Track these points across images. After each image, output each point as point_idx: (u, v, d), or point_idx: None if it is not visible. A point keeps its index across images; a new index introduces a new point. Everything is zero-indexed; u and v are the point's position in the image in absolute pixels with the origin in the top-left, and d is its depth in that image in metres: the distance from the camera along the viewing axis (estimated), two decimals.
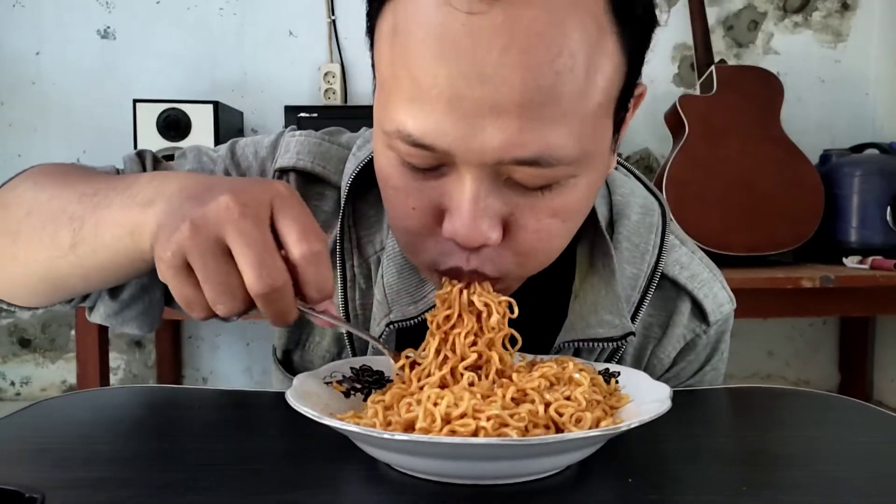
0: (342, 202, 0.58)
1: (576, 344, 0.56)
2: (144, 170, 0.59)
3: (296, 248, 0.39)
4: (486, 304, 0.47)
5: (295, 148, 0.60)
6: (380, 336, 0.55)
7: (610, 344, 0.55)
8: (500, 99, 0.40)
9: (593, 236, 0.58)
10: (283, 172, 0.60)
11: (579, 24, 0.40)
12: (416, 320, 0.55)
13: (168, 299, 0.62)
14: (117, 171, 0.60)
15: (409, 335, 0.56)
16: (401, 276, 0.55)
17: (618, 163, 0.62)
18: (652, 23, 0.46)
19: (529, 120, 0.40)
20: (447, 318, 0.47)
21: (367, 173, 0.56)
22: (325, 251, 0.40)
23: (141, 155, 0.60)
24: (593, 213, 0.57)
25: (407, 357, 0.48)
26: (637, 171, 0.65)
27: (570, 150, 0.42)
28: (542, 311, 0.58)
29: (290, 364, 0.64)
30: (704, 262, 0.63)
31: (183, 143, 1.73)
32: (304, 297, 0.41)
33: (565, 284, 0.59)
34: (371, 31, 0.46)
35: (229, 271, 0.39)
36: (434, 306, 0.49)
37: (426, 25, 0.40)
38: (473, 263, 0.46)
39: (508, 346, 0.49)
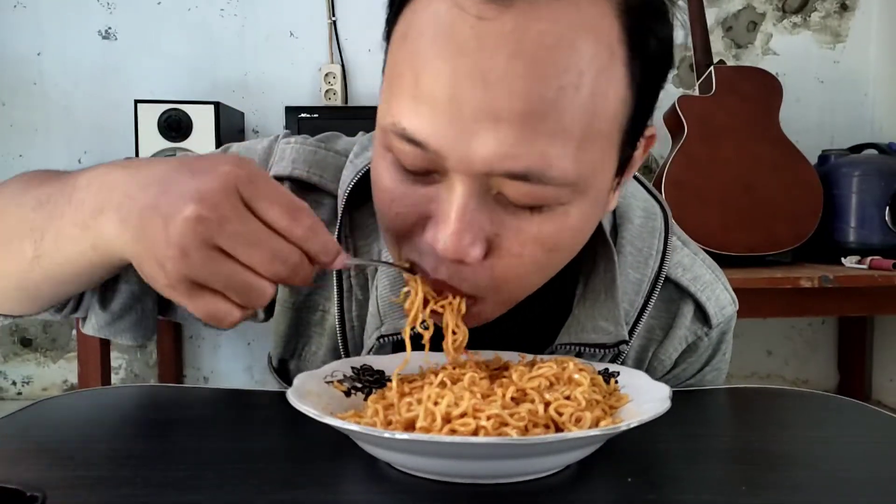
0: (339, 211, 0.57)
1: (570, 348, 0.56)
2: None
3: (291, 232, 0.39)
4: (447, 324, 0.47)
5: (290, 156, 0.59)
6: (370, 349, 0.55)
7: (608, 351, 0.55)
8: (500, 106, 0.39)
9: (597, 242, 0.57)
10: (278, 181, 0.59)
11: (590, 46, 0.40)
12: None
13: (161, 309, 0.61)
14: None
15: (401, 348, 0.55)
16: (393, 289, 0.54)
17: None
18: (667, 62, 0.45)
19: (527, 132, 0.39)
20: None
21: (365, 182, 0.55)
22: (314, 218, 0.40)
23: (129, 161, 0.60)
24: None
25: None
26: (636, 173, 0.64)
27: (564, 171, 0.41)
28: (544, 311, 0.58)
29: (285, 373, 0.63)
30: (707, 264, 0.62)
31: (184, 144, 1.73)
32: (317, 264, 0.41)
33: (570, 286, 0.58)
34: (388, 36, 0.46)
35: (242, 270, 0.38)
36: (424, 321, 0.49)
37: (436, 27, 0.40)
38: (442, 275, 0.45)
39: None
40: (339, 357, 0.60)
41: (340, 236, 0.57)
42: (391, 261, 0.52)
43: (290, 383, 0.61)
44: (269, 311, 0.62)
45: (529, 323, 0.57)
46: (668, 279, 0.59)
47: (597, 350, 0.55)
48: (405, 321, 0.52)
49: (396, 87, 0.43)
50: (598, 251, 0.57)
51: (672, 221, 0.61)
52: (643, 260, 0.58)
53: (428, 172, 0.43)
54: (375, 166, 0.47)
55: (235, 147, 0.62)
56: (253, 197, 0.38)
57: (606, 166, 0.45)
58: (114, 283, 0.57)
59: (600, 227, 0.56)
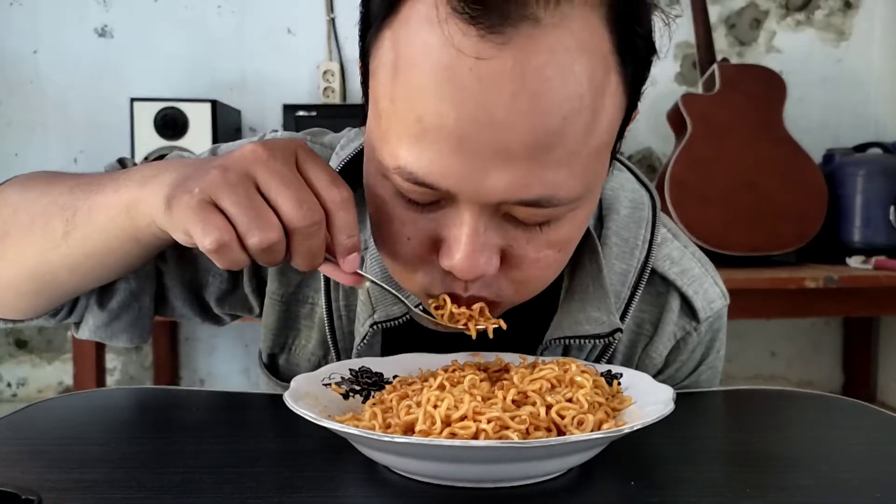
0: None
1: (564, 341, 0.55)
2: None
3: (327, 193, 0.42)
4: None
5: None
6: (364, 337, 0.55)
7: (599, 341, 0.55)
8: (509, 143, 0.39)
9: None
10: None
11: (587, 67, 0.40)
12: (400, 320, 0.54)
13: (157, 307, 0.62)
14: None
15: (393, 335, 0.55)
16: (384, 276, 0.55)
17: None
18: (651, 57, 0.45)
19: (535, 164, 0.40)
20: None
21: (348, 172, 0.55)
22: (352, 198, 0.43)
23: (122, 161, 0.61)
24: None
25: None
26: (628, 163, 0.64)
27: (573, 191, 0.42)
28: (531, 309, 0.57)
29: (275, 368, 0.63)
30: (697, 257, 0.62)
31: (180, 142, 1.73)
32: (334, 241, 0.43)
33: (556, 281, 0.58)
34: (365, 54, 0.45)
35: (263, 203, 0.40)
36: (418, 305, 0.49)
37: (433, 66, 0.39)
38: (471, 290, 0.46)
39: None
40: (327, 350, 0.60)
41: None
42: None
43: (280, 378, 0.62)
44: (262, 304, 0.62)
45: (518, 321, 0.56)
46: (655, 272, 0.59)
47: (594, 341, 0.55)
48: (398, 308, 0.54)
49: (395, 126, 0.42)
50: (582, 243, 0.57)
51: (660, 212, 0.60)
52: (629, 250, 0.58)
53: (435, 201, 0.44)
54: (375, 192, 0.46)
55: (224, 147, 0.62)
56: (306, 160, 0.42)
57: (605, 166, 0.47)
58: (111, 282, 0.57)
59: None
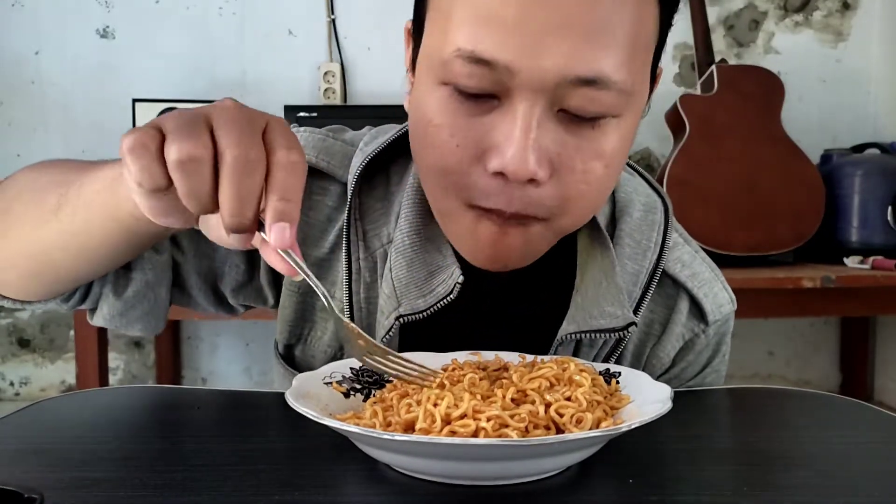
0: (349, 195, 0.58)
1: (578, 336, 0.55)
2: None
3: (278, 153, 0.38)
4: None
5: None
6: (388, 330, 0.55)
7: (612, 336, 0.55)
8: (566, 20, 0.42)
9: (591, 230, 0.58)
10: None
11: None
12: (424, 314, 0.54)
13: (173, 297, 0.62)
14: None
15: (417, 329, 0.55)
16: (410, 270, 0.55)
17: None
18: (673, 11, 0.49)
19: (591, 42, 0.43)
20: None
21: (373, 168, 0.58)
22: (305, 167, 0.39)
23: None
24: None
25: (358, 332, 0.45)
26: (641, 170, 0.65)
27: (623, 75, 0.44)
28: (544, 307, 0.58)
29: (291, 359, 0.64)
30: (707, 263, 0.63)
31: None
32: (266, 200, 0.38)
33: (567, 280, 0.59)
34: None
35: (203, 129, 0.37)
36: (444, 299, 0.51)
37: None
38: (516, 206, 0.46)
39: None
40: (345, 342, 0.60)
41: (351, 219, 0.58)
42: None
43: (296, 369, 0.62)
44: (277, 296, 0.62)
45: (530, 318, 0.58)
46: (666, 274, 0.60)
47: (607, 336, 0.55)
48: (423, 301, 0.54)
49: (454, 18, 0.44)
50: (593, 241, 0.58)
51: (673, 217, 0.61)
52: (641, 252, 0.59)
53: (489, 96, 0.45)
54: (426, 108, 0.47)
55: None
56: (275, 127, 0.39)
57: (645, 78, 0.49)
58: (127, 271, 0.57)
59: (594, 218, 0.57)
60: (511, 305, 0.59)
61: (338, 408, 0.46)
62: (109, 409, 0.56)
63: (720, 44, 2.07)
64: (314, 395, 0.46)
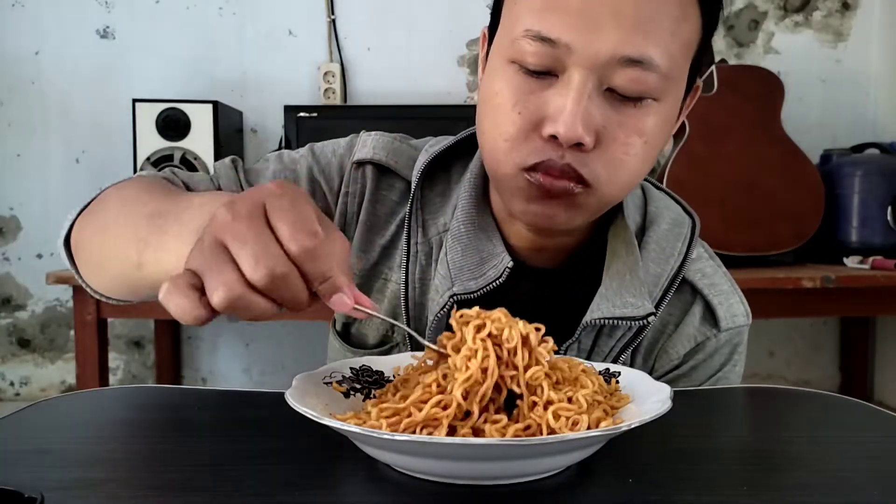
0: (413, 187, 0.65)
1: (601, 321, 0.60)
2: (237, 174, 0.66)
3: (289, 246, 0.39)
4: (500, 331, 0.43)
5: (371, 144, 0.68)
6: (442, 307, 0.61)
7: (633, 325, 0.60)
8: (619, 10, 0.50)
9: (622, 232, 0.64)
10: (360, 165, 0.67)
11: None
12: (475, 294, 0.60)
13: None
14: (212, 180, 0.66)
15: (466, 308, 0.58)
16: (464, 255, 0.62)
17: (657, 186, 0.71)
18: (720, 7, 0.56)
19: (640, 27, 0.51)
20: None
21: (435, 167, 0.67)
22: (319, 244, 0.39)
23: (234, 162, 0.67)
24: (620, 207, 0.64)
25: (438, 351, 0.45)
26: (676, 196, 0.71)
27: (665, 61, 0.52)
28: (574, 296, 0.63)
29: (347, 336, 0.71)
30: (728, 278, 0.68)
31: (182, 143, 1.73)
32: (311, 288, 0.40)
33: (595, 277, 0.63)
34: None
35: (226, 261, 0.38)
36: (494, 282, 0.58)
37: None
38: (568, 158, 0.53)
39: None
40: (397, 318, 0.66)
41: (413, 208, 0.66)
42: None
43: (350, 344, 0.69)
44: None
45: (563, 304, 0.63)
46: (686, 281, 0.65)
47: (629, 324, 0.61)
48: (474, 283, 0.61)
49: (524, 5, 0.53)
50: (621, 243, 0.64)
51: (699, 236, 0.66)
52: (665, 258, 0.64)
53: (549, 73, 0.52)
54: (494, 83, 0.55)
55: (319, 143, 0.70)
56: (272, 210, 0.39)
57: (683, 78, 0.56)
58: None
59: (625, 222, 0.64)
60: (548, 290, 0.65)
61: (338, 408, 0.46)
62: (109, 410, 0.56)
63: (720, 44, 2.07)
64: (314, 395, 0.46)
